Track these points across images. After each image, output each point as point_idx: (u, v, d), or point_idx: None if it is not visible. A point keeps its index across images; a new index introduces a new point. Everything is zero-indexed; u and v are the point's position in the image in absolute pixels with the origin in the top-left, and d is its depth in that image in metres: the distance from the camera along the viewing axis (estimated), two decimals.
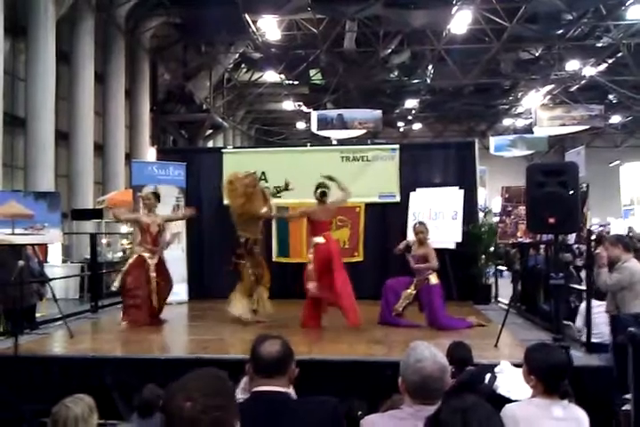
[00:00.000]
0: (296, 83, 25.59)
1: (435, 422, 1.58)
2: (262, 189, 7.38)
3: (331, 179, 6.85)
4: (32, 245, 7.06)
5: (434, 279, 6.85)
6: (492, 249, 9.46)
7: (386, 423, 2.24)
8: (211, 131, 25.97)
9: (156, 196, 7.27)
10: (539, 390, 2.78)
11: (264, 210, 7.09)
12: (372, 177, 9.35)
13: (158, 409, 3.77)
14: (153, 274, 6.93)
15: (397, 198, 9.30)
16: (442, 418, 1.55)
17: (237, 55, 24.02)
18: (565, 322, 5.97)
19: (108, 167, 18.66)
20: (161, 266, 7.10)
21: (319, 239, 6.61)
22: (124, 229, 14.55)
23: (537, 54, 23.14)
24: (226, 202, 7.59)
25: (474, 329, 6.49)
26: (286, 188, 7.82)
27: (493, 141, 26.00)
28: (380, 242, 9.36)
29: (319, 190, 6.75)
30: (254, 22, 18.98)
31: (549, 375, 2.75)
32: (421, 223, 7.14)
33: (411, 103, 27.41)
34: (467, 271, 8.79)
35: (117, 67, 18.83)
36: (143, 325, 6.74)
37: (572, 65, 22.20)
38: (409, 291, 6.87)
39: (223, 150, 10.21)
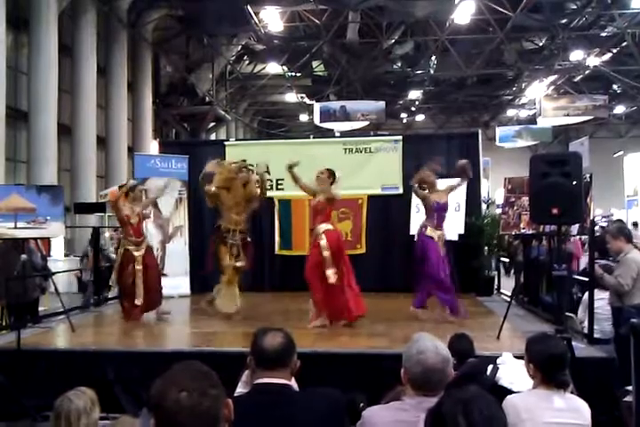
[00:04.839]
0: (299, 74, 25.55)
1: (436, 413, 1.57)
2: (249, 178, 7.00)
3: (290, 167, 6.53)
4: (35, 238, 7.06)
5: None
6: (494, 241, 9.44)
7: (388, 415, 2.25)
8: (213, 123, 25.95)
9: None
10: (539, 380, 2.79)
11: (211, 187, 6.74)
12: (374, 169, 9.32)
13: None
14: (138, 267, 6.75)
15: (400, 190, 9.26)
16: (443, 409, 1.55)
17: (240, 47, 23.99)
18: (568, 314, 5.96)
19: (110, 160, 18.69)
20: (147, 257, 6.92)
21: (328, 226, 6.33)
22: None
23: (541, 44, 23.05)
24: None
25: (476, 321, 6.48)
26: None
27: (499, 132, 25.95)
28: (382, 234, 9.35)
29: (331, 173, 6.41)
30: (256, 14, 18.92)
31: (549, 365, 2.77)
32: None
33: (414, 94, 27.31)
34: (469, 263, 8.77)
35: (120, 59, 18.82)
36: (134, 320, 6.68)
37: (577, 55, 22.09)
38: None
39: (226, 143, 10.18)
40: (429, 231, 6.59)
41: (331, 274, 6.09)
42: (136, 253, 6.76)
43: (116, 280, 6.94)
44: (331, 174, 6.43)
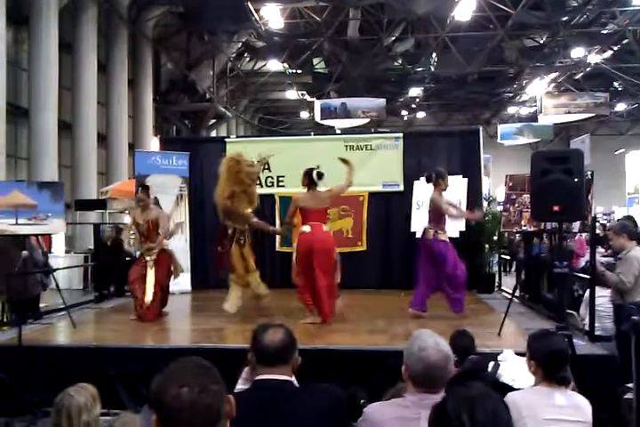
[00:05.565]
0: (299, 72, 25.53)
1: (440, 411, 1.57)
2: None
3: (345, 161, 6.52)
4: (36, 235, 7.05)
5: None
6: (495, 238, 9.44)
7: (389, 411, 2.24)
8: (214, 120, 25.92)
9: (146, 189, 7.01)
10: (540, 377, 2.80)
11: (249, 211, 6.82)
12: (375, 166, 9.30)
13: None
14: (151, 271, 6.75)
15: (401, 187, 9.26)
16: (448, 407, 1.54)
17: (240, 44, 23.93)
18: (569, 311, 5.96)
19: (111, 157, 18.67)
20: (162, 259, 6.90)
21: (305, 228, 6.30)
22: (128, 219, 14.56)
23: (542, 41, 23.01)
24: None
25: (477, 318, 6.47)
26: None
27: (500, 129, 25.96)
28: (383, 231, 9.35)
29: (310, 176, 6.38)
30: (257, 11, 18.91)
31: (549, 361, 2.77)
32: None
33: (415, 91, 27.30)
34: (470, 260, 8.75)
35: (120, 56, 18.78)
36: (145, 321, 6.61)
37: (577, 52, 22.08)
38: None
39: (226, 140, 10.18)
40: (443, 236, 6.57)
41: (293, 276, 6.32)
42: (147, 258, 6.81)
43: (128, 284, 7.03)
44: (304, 175, 6.43)
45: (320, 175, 6.37)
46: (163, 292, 6.95)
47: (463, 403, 1.52)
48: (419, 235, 8.53)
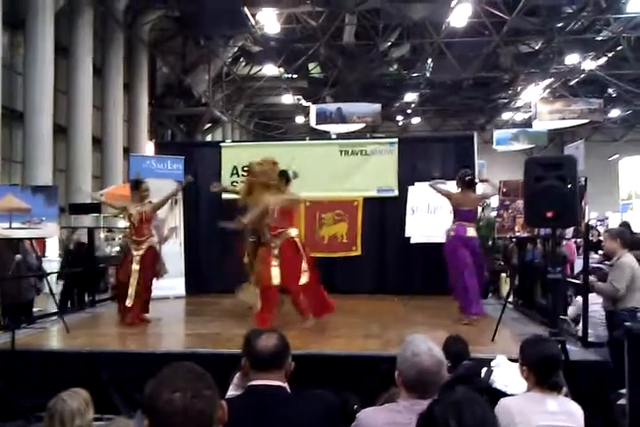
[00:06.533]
0: (295, 76, 25.55)
1: (428, 416, 1.57)
2: (273, 184, 6.84)
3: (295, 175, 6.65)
4: (29, 239, 7.03)
5: None
6: (489, 243, 9.45)
7: (382, 417, 2.25)
8: (209, 125, 25.92)
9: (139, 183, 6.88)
10: (532, 383, 2.80)
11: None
12: (370, 171, 9.32)
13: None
14: (135, 267, 6.56)
15: (396, 193, 9.26)
16: (435, 413, 1.55)
17: (236, 49, 23.95)
18: (562, 317, 5.97)
19: (106, 161, 18.65)
20: (148, 256, 6.71)
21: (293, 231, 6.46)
22: (122, 223, 14.52)
23: (537, 48, 23.09)
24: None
25: (470, 323, 6.47)
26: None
27: (496, 135, 26.05)
28: (378, 236, 9.35)
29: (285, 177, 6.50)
30: (253, 15, 18.94)
31: (542, 367, 2.78)
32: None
33: (410, 97, 27.37)
34: None
35: (116, 60, 18.79)
36: (128, 323, 6.46)
37: (572, 59, 22.18)
38: None
39: (222, 144, 10.18)
40: None
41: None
42: (135, 253, 6.63)
43: (115, 279, 6.90)
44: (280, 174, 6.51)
45: (295, 174, 6.57)
46: (146, 293, 6.75)
47: (451, 408, 1.52)
48: (413, 240, 8.58)
